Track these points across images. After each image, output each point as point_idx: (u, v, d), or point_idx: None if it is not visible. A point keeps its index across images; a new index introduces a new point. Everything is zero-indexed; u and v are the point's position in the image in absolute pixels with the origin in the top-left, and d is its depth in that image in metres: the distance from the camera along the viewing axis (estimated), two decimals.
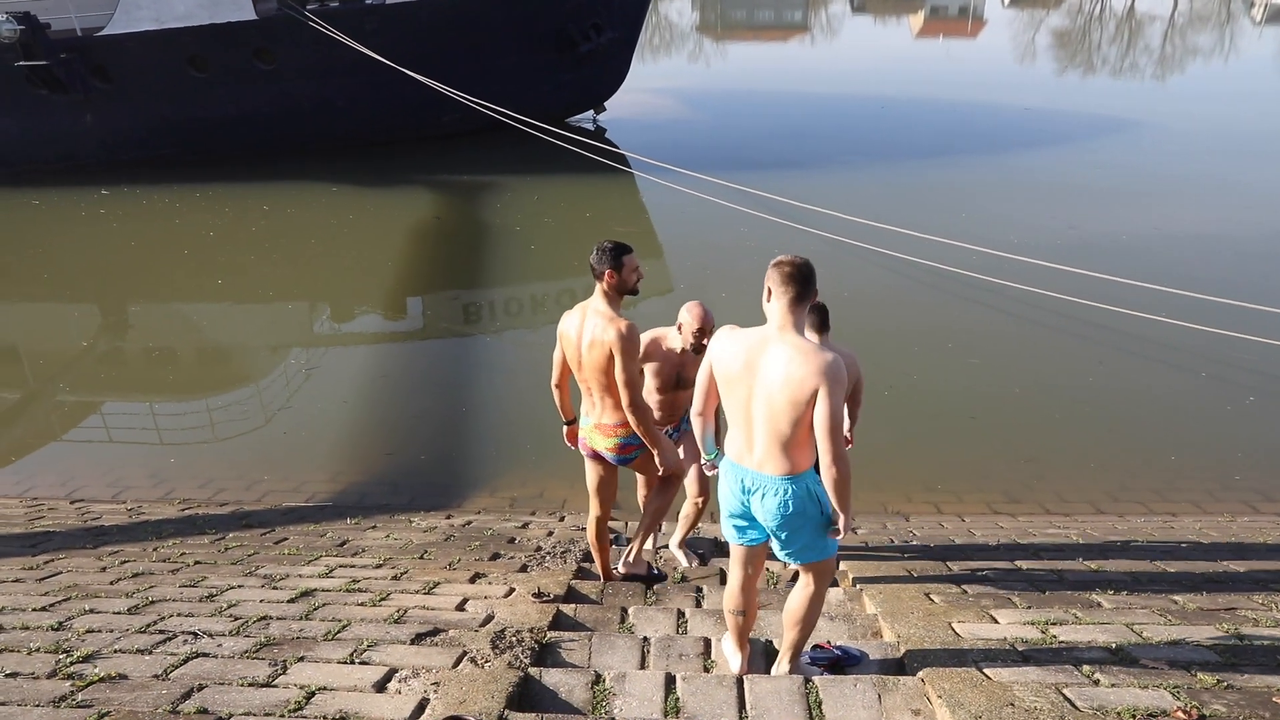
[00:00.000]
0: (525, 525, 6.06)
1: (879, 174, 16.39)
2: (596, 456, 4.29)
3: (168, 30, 16.08)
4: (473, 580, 4.50)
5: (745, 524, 3.23)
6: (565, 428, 4.49)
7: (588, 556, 5.11)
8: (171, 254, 13.37)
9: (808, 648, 3.56)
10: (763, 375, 2.97)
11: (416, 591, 4.24)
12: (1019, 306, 10.00)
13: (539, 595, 4.13)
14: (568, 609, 4.01)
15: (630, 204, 15.42)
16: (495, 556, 5.07)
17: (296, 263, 12.99)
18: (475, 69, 17.31)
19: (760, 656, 3.61)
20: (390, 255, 12.99)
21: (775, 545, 3.20)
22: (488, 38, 17.65)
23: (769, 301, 3.02)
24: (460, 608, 3.98)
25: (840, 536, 3.14)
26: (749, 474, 3.10)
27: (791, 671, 3.39)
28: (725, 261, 11.54)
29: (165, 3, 16.02)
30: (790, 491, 3.03)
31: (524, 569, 4.77)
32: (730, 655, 3.50)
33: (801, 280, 2.94)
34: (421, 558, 5.03)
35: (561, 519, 6.35)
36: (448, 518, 6.43)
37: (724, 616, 3.50)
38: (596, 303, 3.91)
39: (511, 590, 4.30)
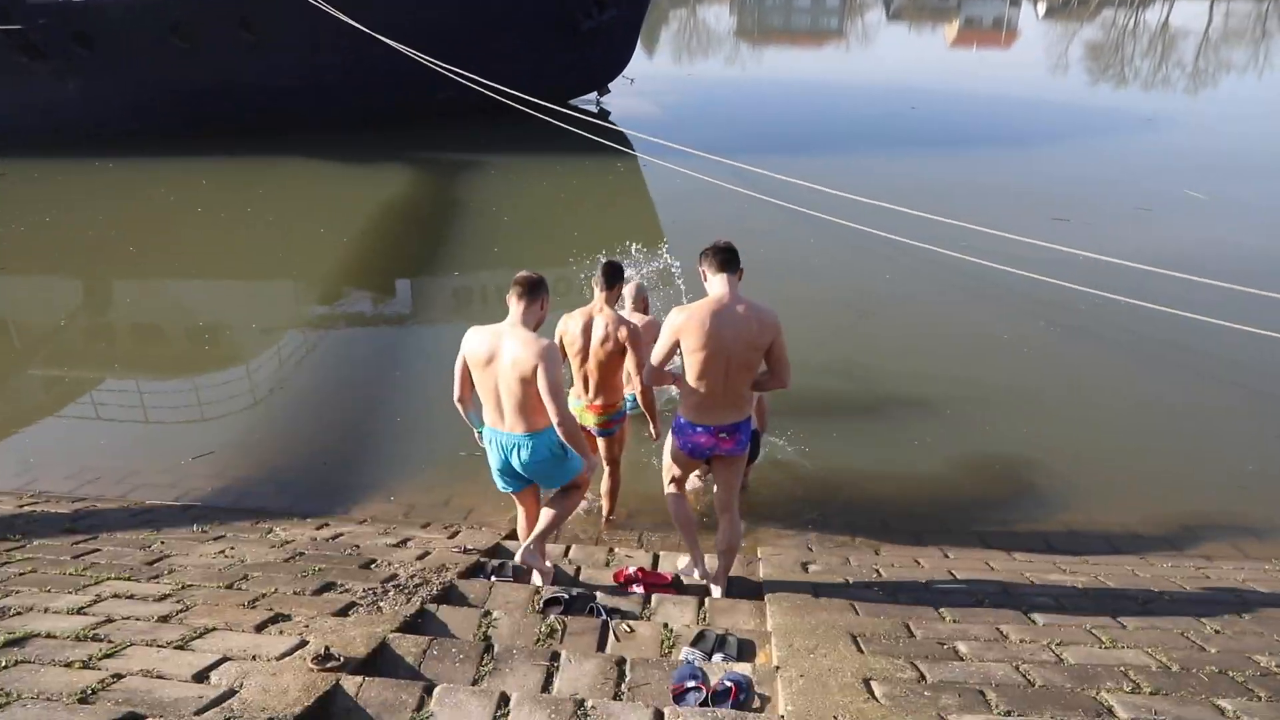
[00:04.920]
0: (403, 543, 4.92)
1: (899, 165, 15.09)
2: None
3: None
4: (261, 628, 3.35)
5: (510, 477, 4.20)
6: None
7: (443, 594, 3.97)
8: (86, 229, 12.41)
9: None
10: (501, 362, 3.86)
11: (166, 644, 3.10)
12: (1046, 309, 8.75)
13: (323, 659, 2.97)
14: (352, 683, 2.85)
15: (631, 185, 14.28)
16: (325, 589, 3.93)
17: (226, 242, 11.85)
18: (471, 46, 16.08)
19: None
20: (352, 237, 11.84)
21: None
22: (485, 13, 16.54)
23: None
24: (201, 676, 2.84)
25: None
26: (505, 436, 4.01)
27: (526, 549, 4.21)
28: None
29: None
30: (534, 445, 3.98)
31: (346, 610, 3.62)
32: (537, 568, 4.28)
33: (530, 286, 3.92)
34: (229, 587, 3.90)
35: (454, 534, 5.21)
36: (319, 528, 5.30)
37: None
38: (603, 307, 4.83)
39: (298, 647, 3.16)
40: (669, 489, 4.38)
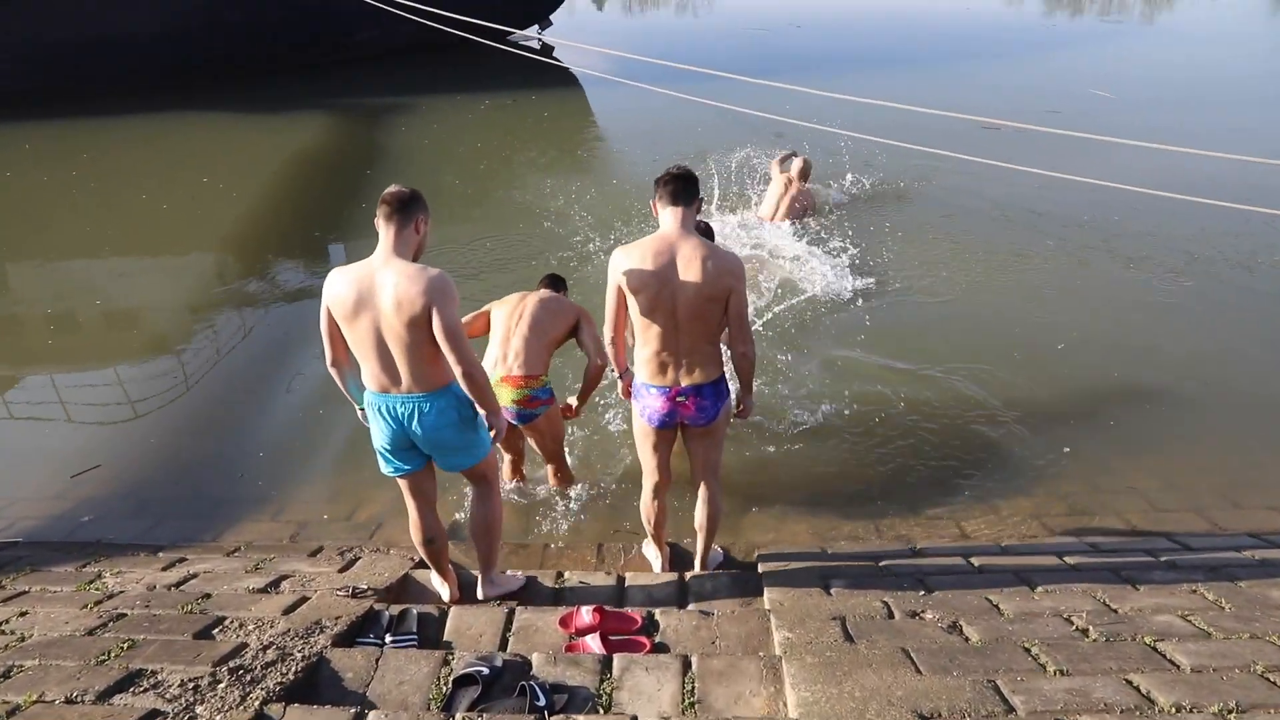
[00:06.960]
0: (274, 584, 3.60)
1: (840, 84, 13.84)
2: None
3: None
4: None
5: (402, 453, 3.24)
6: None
7: (306, 678, 2.67)
8: None
9: None
10: (380, 305, 2.96)
11: None
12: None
13: None
14: None
15: (581, 125, 12.85)
16: (123, 685, 2.62)
17: (48, 213, 10.11)
18: None
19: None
20: (258, 194, 10.27)
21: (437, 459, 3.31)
22: None
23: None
24: None
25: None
26: (399, 400, 3.10)
27: (484, 586, 3.56)
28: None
29: None
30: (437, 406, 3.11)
31: None
32: (439, 585, 3.64)
33: (400, 204, 3.01)
34: None
35: (350, 564, 3.89)
36: (168, 567, 3.96)
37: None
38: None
39: None
40: (646, 491, 3.59)
